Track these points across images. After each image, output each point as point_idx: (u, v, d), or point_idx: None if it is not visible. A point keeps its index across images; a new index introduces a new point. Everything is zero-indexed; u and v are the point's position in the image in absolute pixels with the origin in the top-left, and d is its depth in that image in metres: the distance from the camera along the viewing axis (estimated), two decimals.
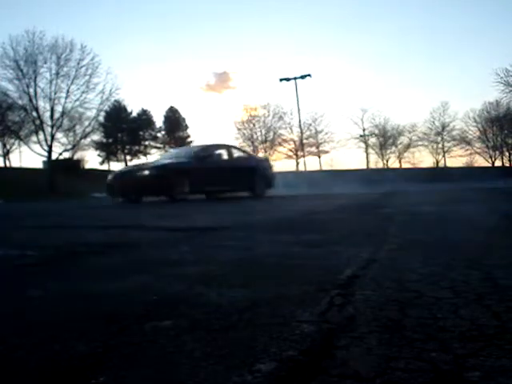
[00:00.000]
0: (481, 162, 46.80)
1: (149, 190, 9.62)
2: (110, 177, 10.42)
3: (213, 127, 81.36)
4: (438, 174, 31.69)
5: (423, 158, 58.27)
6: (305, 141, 37.99)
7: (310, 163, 48.63)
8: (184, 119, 60.32)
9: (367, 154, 47.57)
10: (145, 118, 58.47)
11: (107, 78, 32.46)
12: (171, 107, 60.43)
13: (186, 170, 9.71)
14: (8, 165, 38.64)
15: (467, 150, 47.06)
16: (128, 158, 57.41)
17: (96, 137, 42.43)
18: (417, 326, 1.11)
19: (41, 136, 31.79)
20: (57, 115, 31.79)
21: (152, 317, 1.26)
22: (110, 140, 55.04)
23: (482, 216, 4.19)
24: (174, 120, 59.57)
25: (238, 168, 11.01)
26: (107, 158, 56.17)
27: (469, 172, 31.79)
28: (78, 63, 31.71)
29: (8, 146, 38.88)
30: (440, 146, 47.24)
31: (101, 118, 39.75)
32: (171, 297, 1.49)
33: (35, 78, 30.99)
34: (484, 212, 4.71)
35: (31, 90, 30.92)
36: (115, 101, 46.86)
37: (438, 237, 2.84)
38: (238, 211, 6.49)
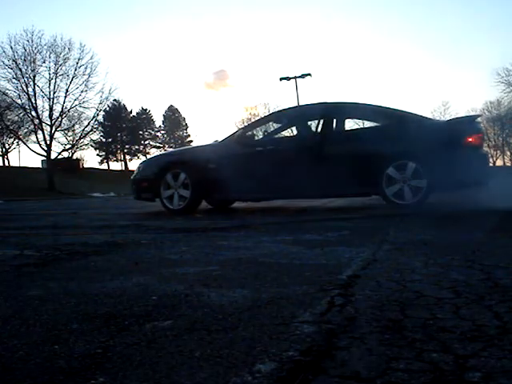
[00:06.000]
0: None
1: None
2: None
3: (211, 126, 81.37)
4: None
5: None
6: None
7: None
8: (184, 118, 60.35)
9: None
10: (144, 118, 58.52)
11: (106, 77, 32.61)
12: (170, 106, 60.45)
13: None
14: (7, 164, 38.65)
15: None
16: (127, 157, 57.44)
17: (95, 136, 42.43)
18: (417, 327, 1.11)
19: (40, 135, 31.86)
20: (56, 114, 31.86)
21: (152, 317, 1.26)
22: (110, 139, 55.06)
23: None
24: (174, 119, 59.58)
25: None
26: (106, 158, 56.21)
27: None
28: (77, 62, 31.79)
29: (7, 146, 38.92)
30: None
31: (100, 118, 39.79)
32: (171, 297, 1.48)
33: (34, 77, 31.03)
34: None
35: (30, 90, 30.98)
36: (114, 100, 47.04)
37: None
38: None
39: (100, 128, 44.00)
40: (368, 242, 2.64)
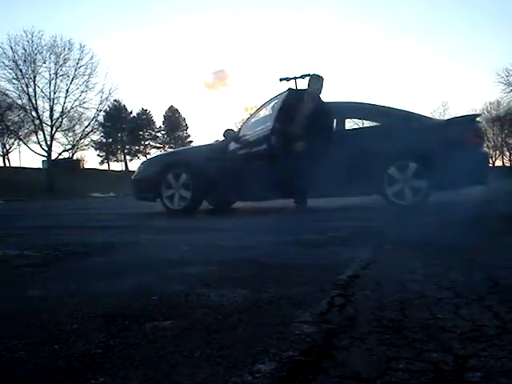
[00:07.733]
0: None
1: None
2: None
3: (212, 126, 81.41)
4: None
5: None
6: None
7: None
8: (184, 119, 60.37)
9: None
10: (144, 118, 58.52)
11: (106, 78, 32.67)
12: (171, 107, 60.47)
13: None
14: (7, 164, 38.68)
15: None
16: (128, 157, 57.45)
17: (96, 137, 42.49)
18: (417, 327, 1.10)
19: (40, 136, 31.90)
20: (56, 115, 31.89)
21: (152, 317, 1.26)
22: (110, 140, 55.07)
23: None
24: (174, 119, 59.59)
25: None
26: (107, 158, 56.21)
27: None
28: (77, 63, 31.82)
29: (7, 146, 38.95)
30: None
31: (100, 118, 39.79)
32: (171, 297, 1.48)
33: (34, 77, 31.06)
34: None
35: (30, 90, 31.01)
36: (115, 100, 47.08)
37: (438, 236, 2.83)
38: None
39: (100, 128, 43.98)
40: (368, 242, 2.64)
